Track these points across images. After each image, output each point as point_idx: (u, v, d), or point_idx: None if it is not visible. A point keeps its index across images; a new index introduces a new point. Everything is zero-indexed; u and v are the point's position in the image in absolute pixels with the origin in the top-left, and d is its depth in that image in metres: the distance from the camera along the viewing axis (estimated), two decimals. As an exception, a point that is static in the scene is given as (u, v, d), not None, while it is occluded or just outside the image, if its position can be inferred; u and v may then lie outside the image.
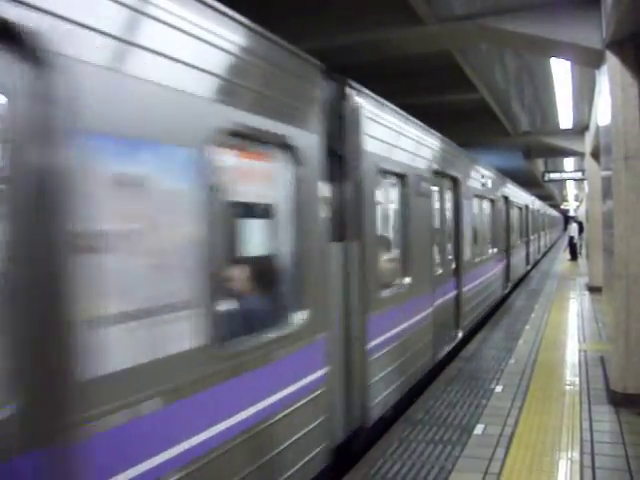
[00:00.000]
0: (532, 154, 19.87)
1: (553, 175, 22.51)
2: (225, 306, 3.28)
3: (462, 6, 7.08)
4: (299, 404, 3.71)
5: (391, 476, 4.25)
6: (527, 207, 20.40)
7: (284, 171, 3.76)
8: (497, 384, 6.53)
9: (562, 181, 29.02)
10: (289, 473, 3.58)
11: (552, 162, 25.55)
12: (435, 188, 7.36)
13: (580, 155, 16.74)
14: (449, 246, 8.23)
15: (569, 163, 24.58)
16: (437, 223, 7.53)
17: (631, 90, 5.62)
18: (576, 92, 11.48)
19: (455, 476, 4.22)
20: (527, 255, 19.86)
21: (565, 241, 32.99)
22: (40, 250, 2.04)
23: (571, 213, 51.68)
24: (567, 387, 6.37)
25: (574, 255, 25.87)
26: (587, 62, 7.21)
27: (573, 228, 27.11)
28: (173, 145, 2.65)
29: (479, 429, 5.13)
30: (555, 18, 6.53)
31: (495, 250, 12.15)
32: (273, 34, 3.52)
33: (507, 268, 14.33)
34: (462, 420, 5.39)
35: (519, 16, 6.70)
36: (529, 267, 20.78)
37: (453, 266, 8.35)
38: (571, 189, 41.63)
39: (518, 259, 17.20)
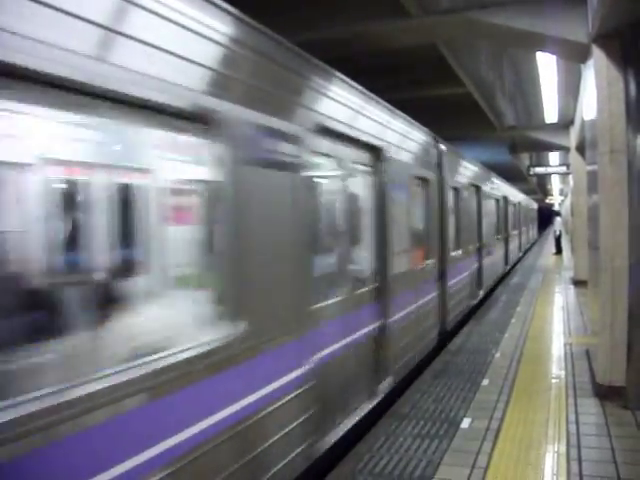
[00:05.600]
0: (518, 148, 19.98)
1: (538, 169, 22.66)
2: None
3: (449, -1, 7.07)
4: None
5: (378, 471, 4.25)
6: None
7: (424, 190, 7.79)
8: (483, 378, 6.56)
9: (547, 175, 29.23)
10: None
11: (537, 156, 25.72)
12: None
13: (565, 149, 16.86)
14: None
15: (554, 157, 24.76)
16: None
17: (617, 84, 5.62)
18: (561, 86, 11.53)
19: (442, 470, 4.22)
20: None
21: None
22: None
23: (556, 207, 52.06)
24: (553, 380, 6.41)
25: (559, 249, 26.15)
26: (573, 56, 7.23)
27: (558, 222, 27.69)
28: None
29: (466, 423, 5.15)
30: (542, 12, 6.54)
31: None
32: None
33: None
34: (449, 414, 5.40)
35: (506, 9, 6.72)
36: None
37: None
38: (556, 183, 41.95)
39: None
